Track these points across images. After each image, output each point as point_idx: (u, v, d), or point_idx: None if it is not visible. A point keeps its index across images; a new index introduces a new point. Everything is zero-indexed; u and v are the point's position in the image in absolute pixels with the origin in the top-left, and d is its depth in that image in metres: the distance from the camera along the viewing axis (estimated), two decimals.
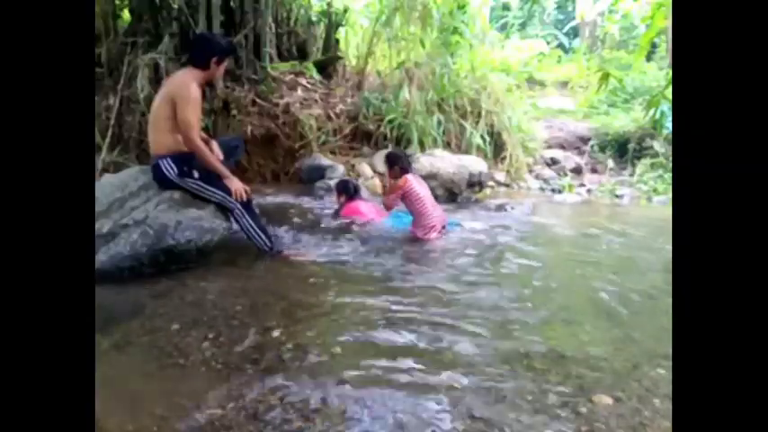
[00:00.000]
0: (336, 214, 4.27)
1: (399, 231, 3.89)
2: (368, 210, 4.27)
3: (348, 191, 4.38)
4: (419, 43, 7.21)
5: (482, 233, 4.03)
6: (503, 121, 7.23)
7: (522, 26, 15.74)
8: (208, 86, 3.88)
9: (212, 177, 3.06)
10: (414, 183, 3.72)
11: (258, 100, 6.11)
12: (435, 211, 3.72)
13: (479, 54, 8.24)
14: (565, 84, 11.75)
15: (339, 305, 2.43)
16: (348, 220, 4.12)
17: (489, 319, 2.29)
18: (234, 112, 5.95)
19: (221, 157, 3.21)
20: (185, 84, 2.96)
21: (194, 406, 1.58)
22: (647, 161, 7.61)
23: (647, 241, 4.09)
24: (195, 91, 2.96)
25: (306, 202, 4.93)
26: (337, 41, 7.49)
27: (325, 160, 5.94)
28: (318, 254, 3.26)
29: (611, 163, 8.05)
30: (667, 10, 3.42)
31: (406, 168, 3.76)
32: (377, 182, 6.00)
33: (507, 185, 6.97)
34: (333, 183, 5.26)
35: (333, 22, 7.30)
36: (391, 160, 3.84)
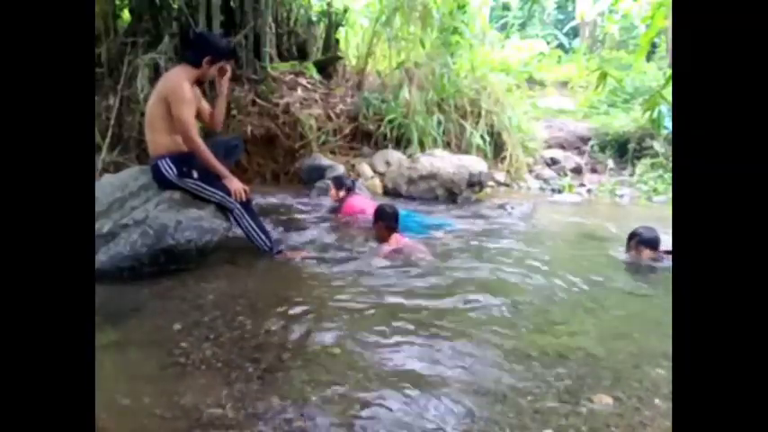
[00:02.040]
0: (336, 210, 4.27)
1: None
2: (366, 205, 4.29)
3: (346, 185, 4.37)
4: (419, 43, 7.21)
5: (479, 233, 4.04)
6: (503, 121, 7.24)
7: (522, 26, 15.74)
8: (209, 86, 3.86)
9: (212, 177, 3.06)
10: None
11: (258, 100, 6.11)
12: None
13: (479, 54, 8.25)
14: (565, 84, 11.75)
15: (339, 304, 2.43)
16: (348, 218, 4.14)
17: (489, 320, 2.29)
18: (234, 112, 5.96)
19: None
20: (177, 83, 2.94)
21: (194, 406, 1.58)
22: (647, 161, 7.61)
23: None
24: (188, 89, 2.94)
25: (305, 201, 4.93)
26: (337, 41, 7.50)
27: (325, 160, 5.94)
28: (318, 253, 3.26)
29: (611, 163, 8.06)
30: (667, 10, 3.41)
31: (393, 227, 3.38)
32: (377, 182, 6.00)
33: (507, 185, 6.98)
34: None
35: (333, 22, 7.30)
36: (378, 215, 3.46)
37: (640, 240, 3.27)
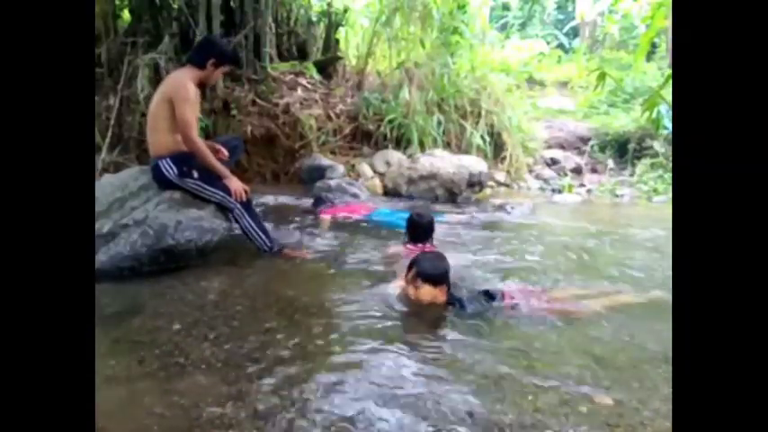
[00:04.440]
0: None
1: (385, 225, 3.98)
2: (348, 207, 4.43)
3: (322, 200, 4.58)
4: (419, 43, 7.21)
5: (479, 230, 4.05)
6: (503, 121, 7.24)
7: (522, 26, 15.74)
8: (207, 87, 3.87)
9: (212, 177, 3.06)
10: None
11: (258, 100, 6.11)
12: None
13: (479, 54, 8.24)
14: (565, 84, 11.74)
15: (339, 303, 2.43)
16: (341, 218, 4.20)
17: (489, 319, 2.29)
18: (234, 112, 5.96)
19: (226, 153, 3.24)
20: (182, 83, 2.96)
21: (194, 405, 1.58)
22: (647, 161, 7.61)
23: (646, 240, 4.09)
24: (192, 90, 2.96)
25: (305, 201, 4.93)
26: (337, 41, 7.50)
27: (325, 160, 5.95)
28: (317, 252, 3.26)
29: (611, 163, 8.05)
30: (667, 10, 3.41)
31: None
32: (377, 182, 6.00)
33: (507, 185, 6.98)
34: (333, 183, 5.31)
35: (333, 22, 7.31)
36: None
37: (418, 273, 2.34)
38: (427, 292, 2.32)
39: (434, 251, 2.77)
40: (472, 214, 4.79)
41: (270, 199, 4.90)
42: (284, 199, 5.01)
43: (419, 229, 3.13)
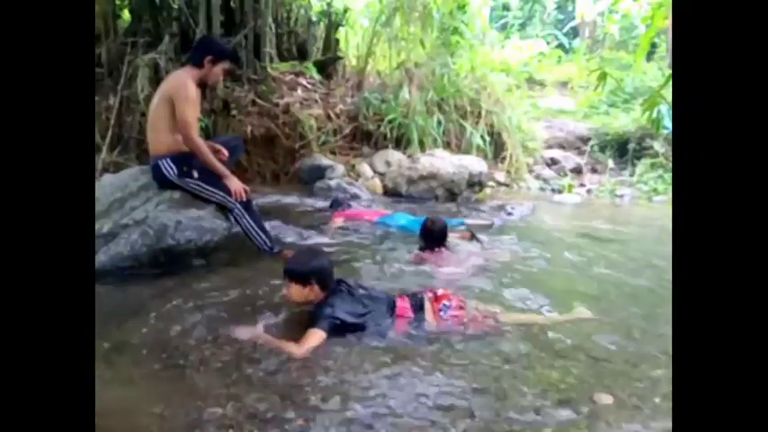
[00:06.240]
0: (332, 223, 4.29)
1: (397, 230, 3.94)
2: (363, 211, 4.39)
3: (338, 202, 4.55)
4: (419, 43, 7.21)
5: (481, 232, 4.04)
6: (503, 121, 7.23)
7: (522, 26, 15.71)
8: (208, 86, 3.87)
9: (212, 177, 3.06)
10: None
11: (258, 100, 6.11)
12: None
13: (479, 54, 8.24)
14: (565, 84, 11.72)
15: None
16: (348, 222, 4.18)
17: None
18: (234, 112, 5.95)
19: (226, 153, 3.23)
20: (183, 83, 2.96)
21: (194, 406, 1.58)
22: (647, 161, 7.60)
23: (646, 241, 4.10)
24: (192, 89, 2.96)
25: (305, 202, 4.93)
26: (337, 41, 7.49)
27: (325, 160, 5.94)
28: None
29: (611, 163, 8.04)
30: (667, 10, 3.42)
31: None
32: (377, 182, 6.00)
33: (507, 185, 6.98)
34: (333, 183, 5.30)
35: (333, 22, 7.30)
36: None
37: (285, 272, 2.16)
38: (296, 292, 2.12)
39: (311, 248, 2.67)
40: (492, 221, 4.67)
41: (271, 199, 4.90)
42: (285, 199, 5.02)
43: (431, 236, 3.21)
